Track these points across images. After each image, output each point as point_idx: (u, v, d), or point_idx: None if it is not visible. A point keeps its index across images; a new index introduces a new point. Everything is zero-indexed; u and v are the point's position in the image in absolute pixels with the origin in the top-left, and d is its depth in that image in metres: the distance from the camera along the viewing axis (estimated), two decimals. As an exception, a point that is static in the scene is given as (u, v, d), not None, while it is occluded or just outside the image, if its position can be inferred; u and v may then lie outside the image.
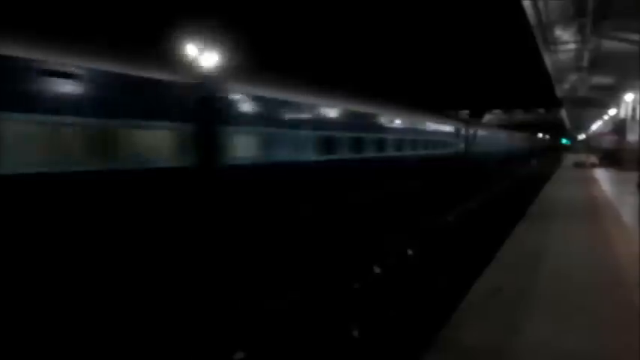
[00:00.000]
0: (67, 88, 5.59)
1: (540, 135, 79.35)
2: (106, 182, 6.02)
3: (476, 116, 55.60)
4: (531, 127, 66.94)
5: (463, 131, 23.65)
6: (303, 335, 5.85)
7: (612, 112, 33.12)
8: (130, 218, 6.35)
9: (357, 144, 12.15)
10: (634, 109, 25.18)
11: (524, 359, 3.98)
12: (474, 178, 22.78)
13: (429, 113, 19.94)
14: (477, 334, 4.47)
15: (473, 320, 4.80)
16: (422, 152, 17.08)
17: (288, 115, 9.60)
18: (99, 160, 5.89)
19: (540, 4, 14.85)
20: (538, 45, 19.28)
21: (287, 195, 9.31)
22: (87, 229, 5.84)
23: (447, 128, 21.29)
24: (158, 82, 6.78)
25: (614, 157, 27.84)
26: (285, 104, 9.53)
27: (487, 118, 64.65)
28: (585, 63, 22.34)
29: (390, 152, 14.30)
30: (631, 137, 24.72)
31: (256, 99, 8.64)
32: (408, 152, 15.71)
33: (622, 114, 28.43)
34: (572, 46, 19.67)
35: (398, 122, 15.46)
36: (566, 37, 18.52)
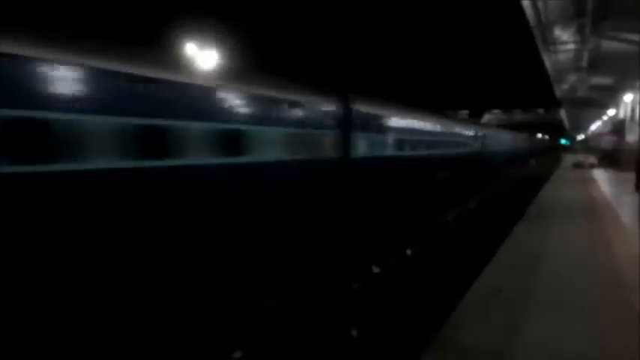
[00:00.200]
0: (302, 114, 10.21)
1: (539, 135, 79.43)
2: (313, 165, 10.42)
3: (475, 116, 55.67)
4: (530, 128, 67.00)
5: (480, 133, 28.50)
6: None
7: (611, 112, 33.15)
8: (318, 188, 10.60)
9: (424, 144, 17.46)
10: (633, 110, 25.18)
11: (524, 359, 3.98)
12: (487, 171, 27.54)
13: (458, 119, 27.52)
14: (476, 334, 4.47)
15: (472, 320, 4.80)
16: (457, 151, 22.54)
17: (384, 124, 14.21)
18: (307, 152, 10.21)
19: (540, 4, 14.85)
20: (537, 45, 19.29)
21: (389, 176, 14.24)
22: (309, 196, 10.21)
23: (471, 131, 26.47)
24: (323, 104, 11.03)
25: (613, 157, 27.86)
26: (381, 117, 13.99)
27: (486, 118, 64.72)
28: (584, 63, 22.35)
29: (442, 150, 19.84)
30: (630, 138, 24.73)
31: (369, 115, 13.13)
32: (451, 151, 21.36)
33: (621, 114, 28.46)
34: (571, 46, 19.68)
35: (448, 128, 21.31)
36: (565, 37, 18.52)
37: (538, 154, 62.79)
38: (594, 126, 52.29)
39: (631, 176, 16.32)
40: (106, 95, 6.07)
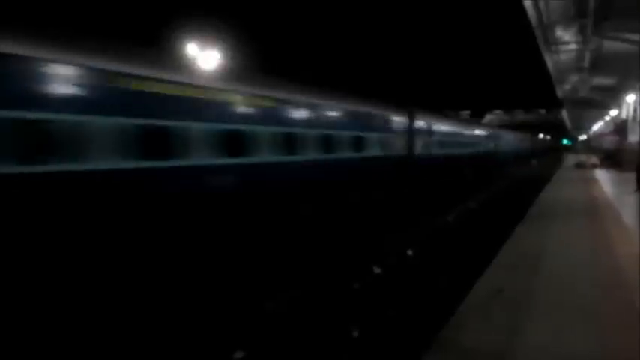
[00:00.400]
0: (388, 124, 14.83)
1: (541, 136, 79.27)
2: (388, 160, 14.51)
3: (477, 116, 55.64)
4: (532, 128, 66.91)
5: (494, 134, 34.06)
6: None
7: (613, 112, 33.07)
8: (395, 174, 15.12)
9: (460, 145, 23.33)
10: (635, 110, 25.12)
11: (525, 360, 3.98)
12: (500, 167, 33.01)
13: (479, 122, 37.09)
14: (477, 334, 4.47)
15: (474, 321, 4.79)
16: (479, 150, 28.25)
17: (433, 129, 19.06)
18: (387, 150, 14.44)
19: (541, 5, 14.83)
20: (539, 45, 19.27)
21: (440, 169, 19.51)
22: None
23: (489, 133, 32.57)
24: (397, 116, 15.60)
25: (615, 158, 27.78)
26: (430, 125, 18.67)
27: (488, 118, 64.63)
28: (586, 63, 22.31)
29: (470, 149, 25.56)
30: (632, 138, 24.67)
31: (423, 124, 17.79)
32: (477, 150, 27.34)
33: (623, 115, 28.39)
34: (573, 46, 19.65)
35: (473, 131, 27.75)
36: (567, 37, 18.50)
37: (540, 154, 62.70)
38: (596, 126, 52.17)
39: (633, 176, 16.28)
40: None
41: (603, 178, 22.93)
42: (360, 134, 12.83)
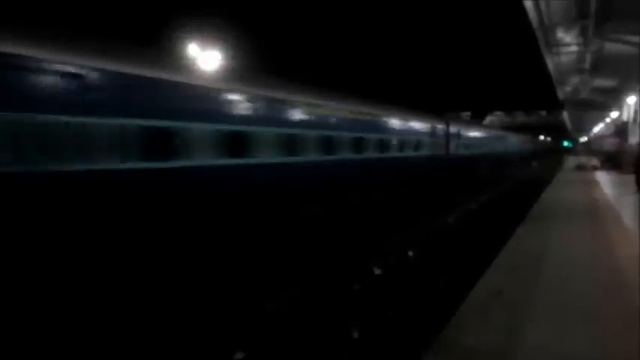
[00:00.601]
0: (430, 129, 18.08)
1: (542, 137, 79.23)
2: (418, 160, 16.54)
3: (477, 118, 55.64)
4: (533, 130, 66.86)
5: (502, 136, 37.19)
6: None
7: (614, 114, 33.07)
8: (435, 170, 18.23)
9: (483, 146, 27.54)
10: (636, 112, 25.10)
11: (525, 361, 3.97)
12: (508, 166, 35.91)
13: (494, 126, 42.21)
14: (477, 335, 4.46)
15: (474, 322, 4.79)
16: (494, 150, 31.42)
17: (462, 133, 22.60)
18: (417, 151, 16.53)
19: (542, 6, 14.84)
20: (540, 47, 19.28)
21: (470, 167, 23.54)
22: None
23: (499, 135, 36.04)
24: (438, 123, 18.94)
25: (616, 159, 27.75)
26: (463, 129, 22.88)
27: (489, 119, 64.62)
28: (587, 65, 22.33)
29: (487, 150, 28.64)
30: (633, 140, 24.67)
31: (455, 129, 21.10)
32: (492, 150, 30.50)
33: (624, 116, 28.38)
34: (574, 48, 19.67)
35: (489, 134, 31.19)
36: (568, 39, 18.52)
37: (540, 155, 62.67)
38: (597, 128, 52.16)
39: (633, 178, 16.27)
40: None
41: (604, 179, 22.92)
42: (422, 139, 17.07)
